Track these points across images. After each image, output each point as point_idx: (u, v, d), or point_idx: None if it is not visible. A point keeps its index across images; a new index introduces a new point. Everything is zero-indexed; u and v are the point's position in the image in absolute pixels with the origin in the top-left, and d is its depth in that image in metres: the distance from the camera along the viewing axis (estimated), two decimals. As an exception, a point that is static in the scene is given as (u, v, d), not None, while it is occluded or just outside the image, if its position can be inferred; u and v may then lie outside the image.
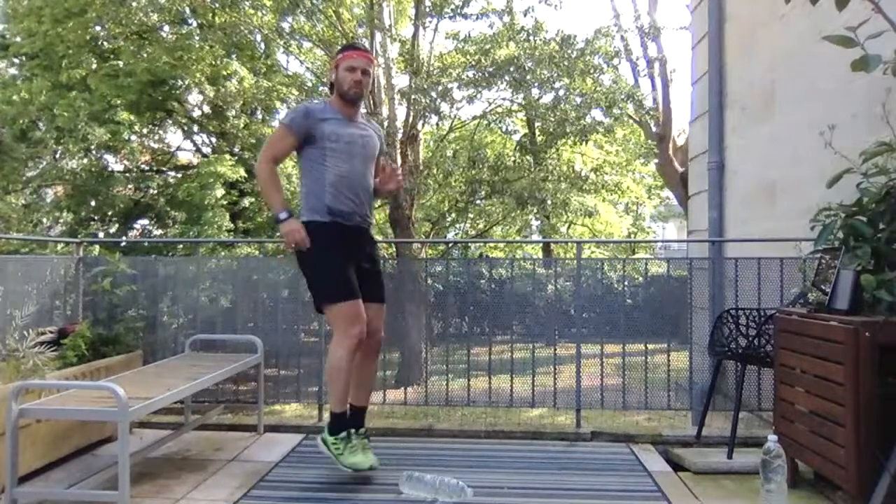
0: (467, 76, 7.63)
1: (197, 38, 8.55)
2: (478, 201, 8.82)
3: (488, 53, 7.56)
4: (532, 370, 4.03)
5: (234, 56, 8.81)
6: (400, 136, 7.90)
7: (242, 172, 8.40)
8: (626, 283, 4.78)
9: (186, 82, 8.41)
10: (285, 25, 8.27)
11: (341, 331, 2.80)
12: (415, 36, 7.99)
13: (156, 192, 9.00)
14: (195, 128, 9.44)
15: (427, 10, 7.76)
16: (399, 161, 7.85)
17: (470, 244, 9.57)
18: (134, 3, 7.37)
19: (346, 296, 2.79)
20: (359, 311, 2.81)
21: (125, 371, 3.37)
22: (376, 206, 10.73)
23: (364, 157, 2.98)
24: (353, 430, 2.88)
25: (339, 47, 3.18)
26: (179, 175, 9.33)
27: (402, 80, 8.36)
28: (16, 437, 2.46)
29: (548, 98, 8.06)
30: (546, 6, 7.93)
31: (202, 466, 3.15)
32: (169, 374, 3.20)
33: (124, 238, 8.52)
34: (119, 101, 8.06)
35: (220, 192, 8.08)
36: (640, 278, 5.80)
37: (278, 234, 3.02)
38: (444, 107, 7.81)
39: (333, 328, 2.87)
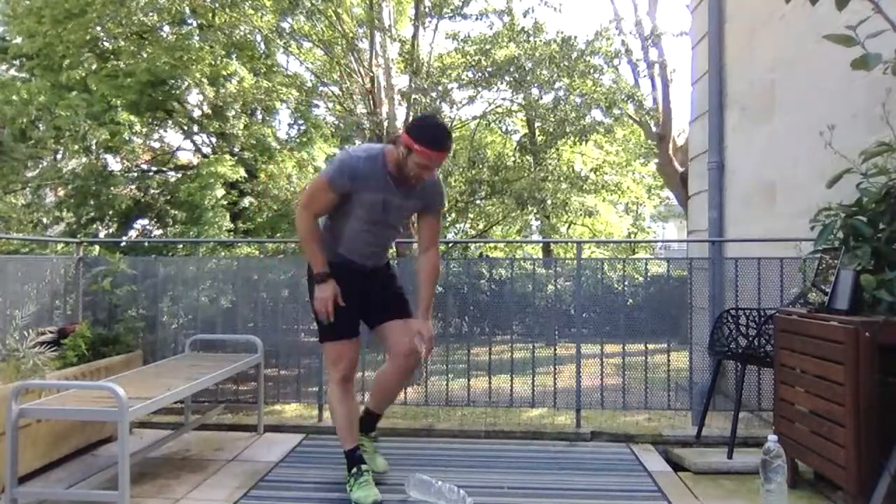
0: (467, 76, 7.63)
1: (197, 38, 8.54)
2: (478, 201, 8.82)
3: (488, 54, 7.56)
4: (532, 370, 4.03)
5: (234, 56, 8.80)
6: (400, 136, 7.89)
7: (242, 172, 8.39)
8: (626, 283, 4.78)
9: (186, 82, 8.40)
10: (285, 25, 8.27)
11: (329, 368, 2.87)
12: (414, 36, 7.99)
13: (156, 192, 9.00)
14: (195, 128, 9.42)
15: (427, 10, 7.76)
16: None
17: (470, 244, 9.57)
18: (134, 4, 7.37)
19: (335, 335, 2.79)
20: (344, 351, 2.81)
21: (125, 371, 3.37)
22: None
23: (397, 220, 2.84)
24: (362, 466, 2.79)
25: (418, 126, 2.62)
26: (179, 175, 9.32)
27: (402, 81, 8.37)
28: (16, 437, 2.46)
29: (548, 98, 8.07)
30: (546, 7, 7.94)
31: (202, 466, 3.15)
32: (169, 374, 3.20)
33: (124, 238, 8.52)
34: (119, 102, 8.05)
35: (220, 192, 8.07)
36: (640, 278, 5.79)
37: (279, 234, 3.01)
38: (445, 107, 7.82)
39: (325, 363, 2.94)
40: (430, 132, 2.57)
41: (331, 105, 8.83)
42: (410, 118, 7.87)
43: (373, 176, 2.61)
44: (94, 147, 7.95)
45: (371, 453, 2.98)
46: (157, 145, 9.79)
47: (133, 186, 9.14)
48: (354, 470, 2.75)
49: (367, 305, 2.87)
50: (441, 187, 2.87)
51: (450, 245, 9.06)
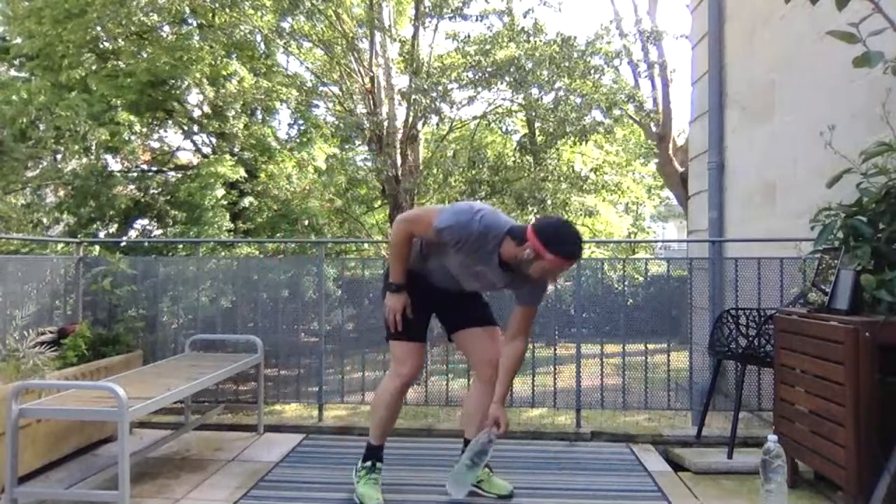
0: (467, 76, 7.63)
1: (197, 38, 8.54)
2: (478, 201, 8.80)
3: (488, 54, 7.56)
4: (532, 370, 4.03)
5: (234, 56, 8.80)
6: (400, 136, 7.90)
7: (242, 172, 8.40)
8: (626, 283, 4.77)
9: (186, 82, 8.41)
10: (285, 25, 8.27)
11: (393, 367, 2.79)
12: (415, 36, 7.98)
13: (156, 192, 9.00)
14: (195, 128, 9.43)
15: (427, 10, 7.76)
16: (399, 161, 7.85)
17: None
18: (134, 4, 7.37)
19: (405, 336, 2.71)
20: (412, 352, 2.74)
21: (125, 371, 3.37)
22: (377, 205, 10.70)
23: (485, 287, 2.75)
24: (378, 464, 2.77)
25: (551, 232, 2.37)
26: (179, 175, 9.32)
27: (402, 81, 8.37)
28: (16, 437, 2.46)
29: (548, 98, 8.06)
30: (546, 8, 7.94)
31: (202, 466, 3.15)
32: (169, 374, 3.20)
33: (124, 238, 8.52)
34: (119, 102, 8.05)
35: (220, 192, 8.08)
36: (641, 278, 5.79)
37: (279, 234, 2.99)
38: (445, 107, 7.82)
39: (391, 362, 2.82)
40: (568, 245, 2.38)
41: (331, 105, 8.83)
42: (411, 118, 7.87)
43: (481, 250, 2.47)
44: (94, 147, 7.95)
45: (487, 479, 2.80)
46: (157, 145, 9.79)
47: (133, 186, 9.14)
48: (369, 463, 2.74)
49: (444, 308, 2.83)
50: (545, 287, 2.71)
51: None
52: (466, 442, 2.78)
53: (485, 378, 2.76)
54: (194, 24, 8.92)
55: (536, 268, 2.38)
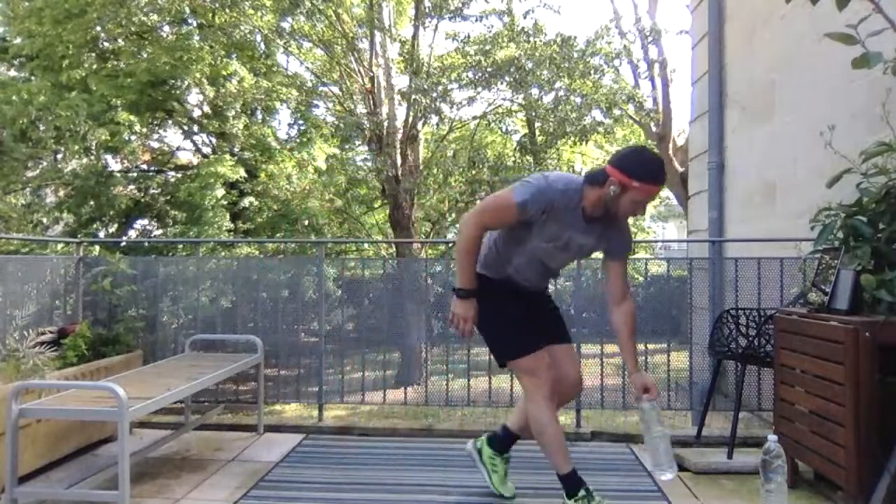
0: (467, 77, 7.63)
1: (197, 38, 8.55)
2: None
3: (488, 54, 7.56)
4: (532, 370, 4.02)
5: (234, 56, 8.81)
6: (400, 136, 7.90)
7: (242, 172, 8.40)
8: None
9: (186, 82, 8.41)
10: (285, 25, 8.27)
11: (528, 384, 2.54)
12: (415, 36, 7.99)
13: (156, 192, 9.01)
14: (195, 128, 9.43)
15: (427, 10, 7.76)
16: (399, 161, 7.85)
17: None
18: (134, 4, 7.37)
19: (525, 349, 2.52)
20: (539, 358, 2.53)
21: (125, 371, 3.37)
22: (377, 205, 10.70)
23: (574, 256, 2.69)
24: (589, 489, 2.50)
25: (632, 160, 2.33)
26: (179, 175, 9.33)
27: (402, 81, 8.37)
28: (16, 437, 2.46)
29: (548, 99, 8.07)
30: (545, 9, 7.94)
31: (202, 466, 3.15)
32: (169, 374, 3.20)
33: (124, 238, 8.52)
34: (119, 102, 8.06)
35: (220, 192, 8.08)
36: (641, 278, 5.79)
37: (279, 234, 2.98)
38: (445, 107, 7.82)
39: (521, 383, 2.61)
40: (651, 167, 2.32)
41: (331, 105, 8.83)
42: (411, 118, 7.87)
43: (566, 211, 2.38)
44: (94, 147, 7.96)
45: (502, 476, 2.77)
46: (156, 145, 9.79)
47: (133, 186, 9.15)
48: (582, 492, 2.47)
49: (529, 320, 2.68)
50: (630, 232, 2.62)
51: (450, 245, 9.07)
52: (507, 431, 2.78)
53: (562, 394, 2.68)
54: (194, 24, 8.92)
55: (625, 203, 2.32)
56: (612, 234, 2.50)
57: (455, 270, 2.49)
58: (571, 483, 2.50)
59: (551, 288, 3.16)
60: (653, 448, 2.40)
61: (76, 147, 7.87)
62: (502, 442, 2.81)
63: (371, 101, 7.87)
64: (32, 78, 8.42)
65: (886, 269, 2.49)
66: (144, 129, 8.71)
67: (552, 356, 2.61)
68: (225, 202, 8.28)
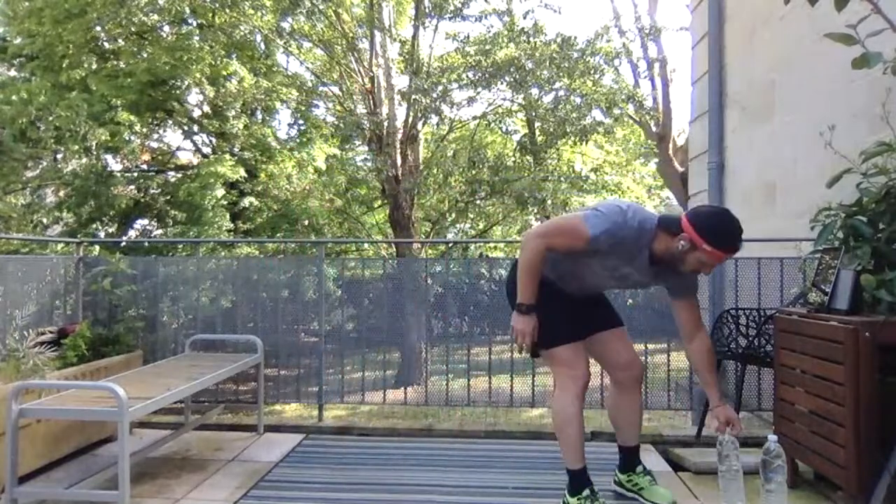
0: (467, 77, 7.63)
1: (197, 38, 8.54)
2: (478, 201, 8.81)
3: (488, 54, 7.56)
4: (532, 370, 4.03)
5: (234, 56, 8.80)
6: (400, 136, 7.90)
7: (242, 172, 8.40)
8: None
9: (186, 82, 8.41)
10: (285, 25, 8.27)
11: (563, 375, 2.52)
12: (415, 36, 7.98)
13: (156, 192, 9.00)
14: (195, 128, 9.43)
15: (427, 10, 7.76)
16: (399, 161, 7.85)
17: (470, 244, 9.58)
18: (134, 4, 7.36)
19: (565, 338, 2.50)
20: (578, 351, 2.52)
21: (125, 371, 3.37)
22: (377, 205, 10.69)
23: (626, 286, 2.72)
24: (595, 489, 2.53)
25: (710, 222, 2.36)
26: (179, 175, 9.33)
27: (402, 81, 8.37)
28: (16, 437, 2.46)
29: (548, 99, 8.07)
30: (546, 9, 7.94)
31: (202, 466, 3.15)
32: (169, 374, 3.20)
33: (124, 238, 8.52)
34: (119, 102, 8.05)
35: (220, 192, 8.08)
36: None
37: (279, 234, 2.99)
38: (445, 107, 7.82)
39: (554, 374, 2.61)
40: (728, 235, 2.34)
41: (331, 105, 8.83)
42: (411, 118, 7.87)
43: (633, 248, 2.36)
44: (94, 147, 7.96)
45: (648, 487, 2.69)
46: (156, 145, 9.79)
47: (133, 186, 9.14)
48: (586, 492, 2.49)
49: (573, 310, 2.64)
50: (695, 278, 2.54)
51: (450, 245, 9.06)
52: (622, 450, 2.73)
53: (619, 382, 2.68)
54: (194, 24, 8.92)
55: (691, 259, 2.30)
56: (670, 276, 2.46)
57: (518, 286, 2.43)
58: (578, 481, 2.51)
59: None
60: (727, 483, 2.47)
61: (76, 147, 7.86)
62: (625, 461, 2.77)
63: (371, 101, 7.86)
64: (32, 78, 8.41)
65: (886, 269, 2.49)
66: (144, 129, 8.70)
67: (598, 345, 2.62)
68: (225, 202, 8.27)
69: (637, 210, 2.39)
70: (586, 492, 2.48)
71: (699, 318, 2.56)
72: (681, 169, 9.64)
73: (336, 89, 8.54)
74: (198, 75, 8.14)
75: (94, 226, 8.68)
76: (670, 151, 10.31)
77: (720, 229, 2.31)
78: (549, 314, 2.47)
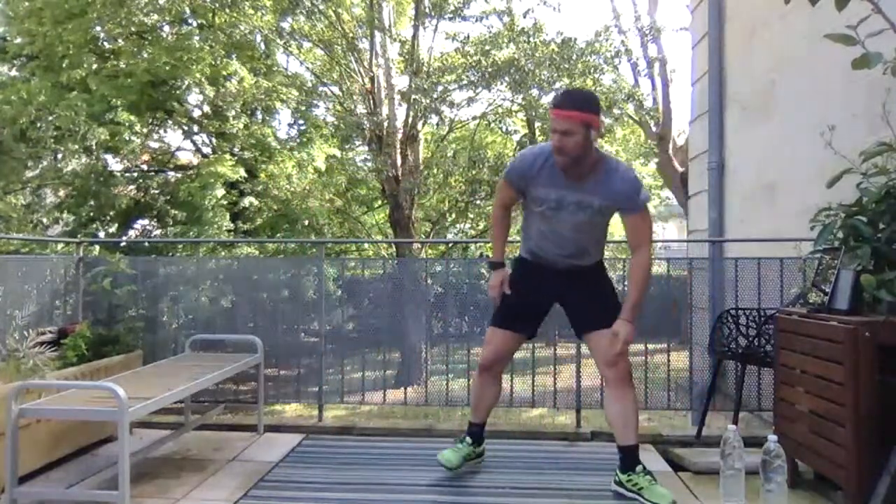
0: (467, 77, 7.64)
1: (197, 38, 8.54)
2: (478, 201, 8.82)
3: (488, 54, 7.57)
4: (532, 370, 4.03)
5: (234, 56, 8.80)
6: (400, 136, 7.90)
7: (242, 172, 8.40)
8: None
9: (186, 82, 8.41)
10: (285, 25, 8.27)
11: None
12: (415, 36, 7.99)
13: (156, 192, 9.00)
14: (195, 128, 9.43)
15: (427, 10, 7.76)
16: (399, 161, 7.85)
17: (470, 244, 9.59)
18: (134, 4, 7.37)
19: (493, 321, 2.95)
20: (491, 338, 2.94)
21: (125, 371, 3.37)
22: (377, 205, 10.69)
23: (575, 224, 2.68)
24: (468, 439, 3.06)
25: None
26: (179, 175, 9.33)
27: (402, 81, 8.37)
28: (16, 437, 2.46)
29: (548, 98, 8.06)
30: (545, 7, 7.94)
31: (202, 466, 3.15)
32: (169, 374, 3.20)
33: (124, 238, 8.52)
34: (119, 102, 8.05)
35: (220, 192, 8.08)
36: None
37: (279, 234, 3.03)
38: (445, 108, 7.82)
39: None
40: (557, 95, 2.72)
41: (331, 105, 8.83)
42: (411, 118, 7.87)
43: (542, 170, 2.61)
44: (94, 147, 7.96)
45: (648, 486, 2.67)
46: (156, 145, 9.79)
47: (133, 186, 9.14)
48: (469, 438, 3.01)
49: (568, 309, 2.89)
50: (627, 184, 2.62)
51: (450, 245, 9.07)
52: (619, 449, 2.76)
53: (605, 379, 2.85)
54: (194, 24, 8.92)
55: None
56: (608, 190, 2.61)
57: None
58: (470, 431, 3.02)
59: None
60: (727, 481, 2.56)
61: (76, 147, 7.86)
62: (624, 461, 2.78)
63: (371, 102, 7.87)
64: (32, 78, 8.41)
65: (886, 269, 2.49)
66: (144, 129, 8.70)
67: (590, 343, 2.81)
68: (225, 202, 8.27)
69: (537, 145, 2.86)
70: (468, 438, 3.01)
71: (641, 236, 2.69)
72: (681, 169, 9.65)
73: (336, 89, 8.54)
74: (198, 75, 8.14)
75: (94, 226, 8.68)
76: (670, 151, 10.31)
77: (555, 96, 2.74)
78: (504, 296, 2.88)
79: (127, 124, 7.93)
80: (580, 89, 2.76)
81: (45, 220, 8.73)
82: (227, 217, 8.20)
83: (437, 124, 8.61)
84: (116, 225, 8.97)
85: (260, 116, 9.71)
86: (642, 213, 2.68)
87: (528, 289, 2.85)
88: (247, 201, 8.60)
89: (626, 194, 2.63)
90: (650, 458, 3.32)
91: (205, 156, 9.21)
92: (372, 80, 7.81)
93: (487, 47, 7.67)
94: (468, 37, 8.03)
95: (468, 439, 3.01)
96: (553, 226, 2.71)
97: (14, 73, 9.11)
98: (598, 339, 2.76)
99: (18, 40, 8.65)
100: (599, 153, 2.65)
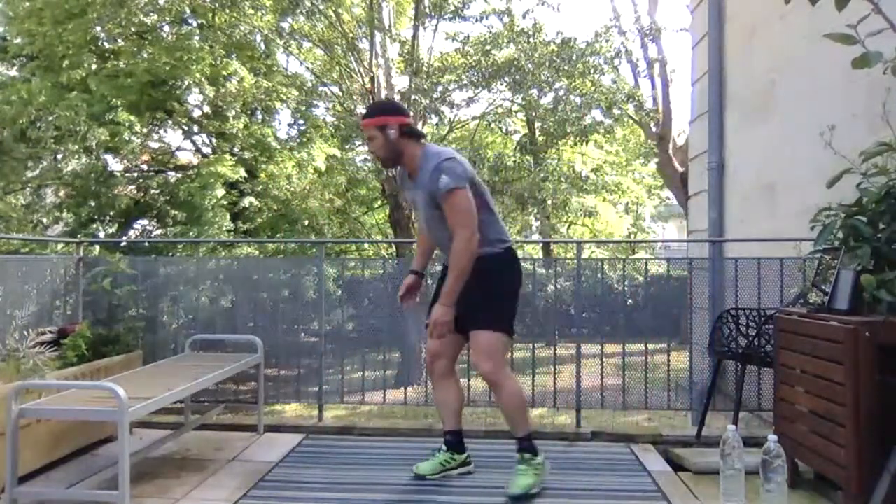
0: (467, 77, 7.64)
1: (197, 38, 8.54)
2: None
3: (488, 55, 7.57)
4: (532, 370, 4.03)
5: (234, 56, 8.81)
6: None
7: (242, 172, 8.40)
8: (626, 283, 4.78)
9: (186, 82, 8.41)
10: (285, 25, 8.27)
11: None
12: (415, 36, 7.99)
13: (156, 192, 9.01)
14: (195, 128, 9.44)
15: (427, 10, 7.76)
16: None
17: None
18: (133, 4, 7.36)
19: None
20: (429, 344, 3.00)
21: (125, 371, 3.37)
22: (377, 205, 10.68)
23: (426, 219, 2.83)
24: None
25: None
26: (179, 175, 9.33)
27: (402, 81, 8.37)
28: (16, 437, 2.46)
29: (548, 99, 8.07)
30: (545, 7, 7.94)
31: (202, 466, 3.15)
32: (169, 374, 3.20)
33: (124, 238, 8.52)
34: (119, 102, 8.05)
35: (220, 192, 8.08)
36: (641, 278, 5.79)
37: (279, 234, 3.06)
38: (444, 108, 7.82)
39: None
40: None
41: (331, 105, 8.83)
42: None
43: (402, 176, 2.88)
44: (94, 147, 7.95)
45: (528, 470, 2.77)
46: (156, 145, 9.79)
47: (133, 186, 9.14)
48: (444, 447, 3.02)
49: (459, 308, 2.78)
50: (432, 172, 2.67)
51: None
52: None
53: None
54: (194, 24, 8.92)
55: None
56: (426, 182, 2.69)
57: None
58: (448, 442, 2.99)
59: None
60: (727, 481, 2.57)
61: (76, 147, 7.86)
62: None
63: (371, 102, 7.86)
64: (32, 78, 8.41)
65: (886, 269, 2.49)
66: (144, 129, 8.70)
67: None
68: (225, 202, 8.27)
69: None
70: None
71: (453, 221, 2.66)
72: (681, 169, 9.65)
73: (336, 89, 8.54)
74: (198, 75, 8.14)
75: (94, 226, 8.68)
76: (670, 151, 10.31)
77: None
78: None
79: (127, 124, 7.93)
80: (380, 100, 2.94)
81: (45, 220, 8.73)
82: (227, 217, 8.20)
83: (437, 124, 8.61)
84: (116, 225, 8.97)
85: (260, 116, 9.71)
86: (449, 197, 2.63)
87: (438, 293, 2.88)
88: (247, 201, 8.60)
89: (433, 182, 2.65)
90: (650, 458, 3.32)
91: (205, 156, 9.21)
92: (372, 80, 7.81)
93: (487, 47, 7.67)
94: (468, 37, 8.03)
95: (443, 447, 2.99)
96: (422, 224, 2.94)
97: (14, 73, 9.11)
98: (471, 338, 2.82)
99: (18, 40, 8.64)
100: (425, 148, 2.77)
